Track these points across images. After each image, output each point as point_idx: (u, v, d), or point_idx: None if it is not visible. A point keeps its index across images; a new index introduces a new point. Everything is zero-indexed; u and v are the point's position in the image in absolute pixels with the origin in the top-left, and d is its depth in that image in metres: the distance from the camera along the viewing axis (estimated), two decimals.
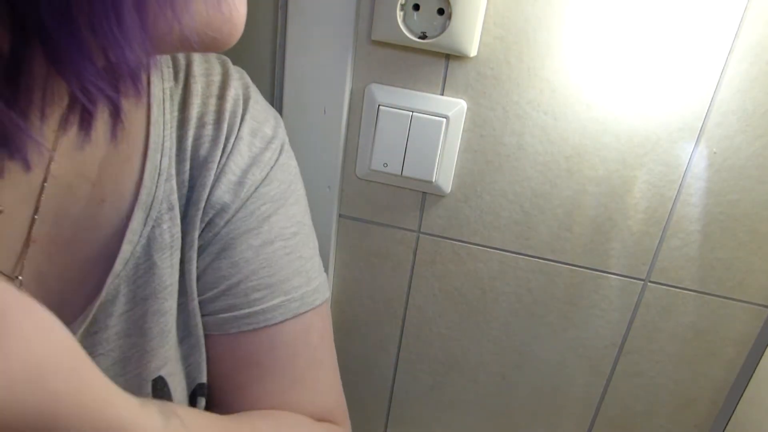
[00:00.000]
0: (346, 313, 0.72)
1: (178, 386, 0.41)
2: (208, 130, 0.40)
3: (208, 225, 0.41)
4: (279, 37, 0.58)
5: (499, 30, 0.54)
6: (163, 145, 0.38)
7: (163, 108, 0.38)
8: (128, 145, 0.37)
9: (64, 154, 0.34)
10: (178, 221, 0.39)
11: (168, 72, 0.40)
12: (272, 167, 0.43)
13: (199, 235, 0.41)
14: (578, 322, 0.65)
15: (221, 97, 0.41)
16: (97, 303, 0.36)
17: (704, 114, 0.54)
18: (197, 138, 0.40)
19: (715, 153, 0.55)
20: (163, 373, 0.39)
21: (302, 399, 0.45)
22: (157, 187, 0.38)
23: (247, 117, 0.42)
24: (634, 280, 0.62)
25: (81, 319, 0.35)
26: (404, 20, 0.54)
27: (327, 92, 0.59)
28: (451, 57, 0.56)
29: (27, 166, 0.24)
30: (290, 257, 0.44)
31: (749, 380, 0.63)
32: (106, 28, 0.22)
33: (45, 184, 0.33)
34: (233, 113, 0.41)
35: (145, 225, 0.37)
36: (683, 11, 0.50)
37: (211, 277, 0.42)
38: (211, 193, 0.40)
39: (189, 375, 0.43)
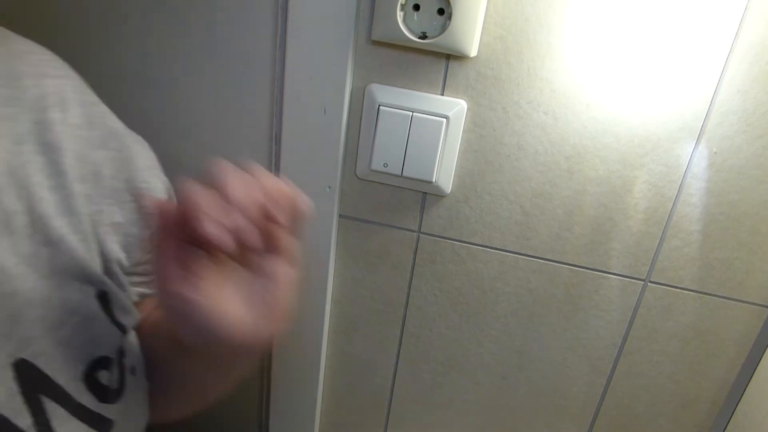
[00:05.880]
0: (346, 313, 0.72)
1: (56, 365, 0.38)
2: None
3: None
4: (279, 37, 0.58)
5: (499, 30, 0.54)
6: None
7: None
8: None
9: None
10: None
11: None
12: None
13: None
14: (578, 322, 0.65)
15: None
16: None
17: (704, 114, 0.54)
18: None
19: (715, 153, 0.55)
20: (25, 355, 0.36)
21: None
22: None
23: None
24: (634, 280, 0.62)
25: None
26: (404, 20, 0.54)
27: (327, 92, 0.59)
28: (451, 57, 0.56)
29: None
30: None
31: (749, 380, 0.63)
32: None
33: None
34: None
35: None
36: (683, 11, 0.50)
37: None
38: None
39: (76, 352, 0.39)
